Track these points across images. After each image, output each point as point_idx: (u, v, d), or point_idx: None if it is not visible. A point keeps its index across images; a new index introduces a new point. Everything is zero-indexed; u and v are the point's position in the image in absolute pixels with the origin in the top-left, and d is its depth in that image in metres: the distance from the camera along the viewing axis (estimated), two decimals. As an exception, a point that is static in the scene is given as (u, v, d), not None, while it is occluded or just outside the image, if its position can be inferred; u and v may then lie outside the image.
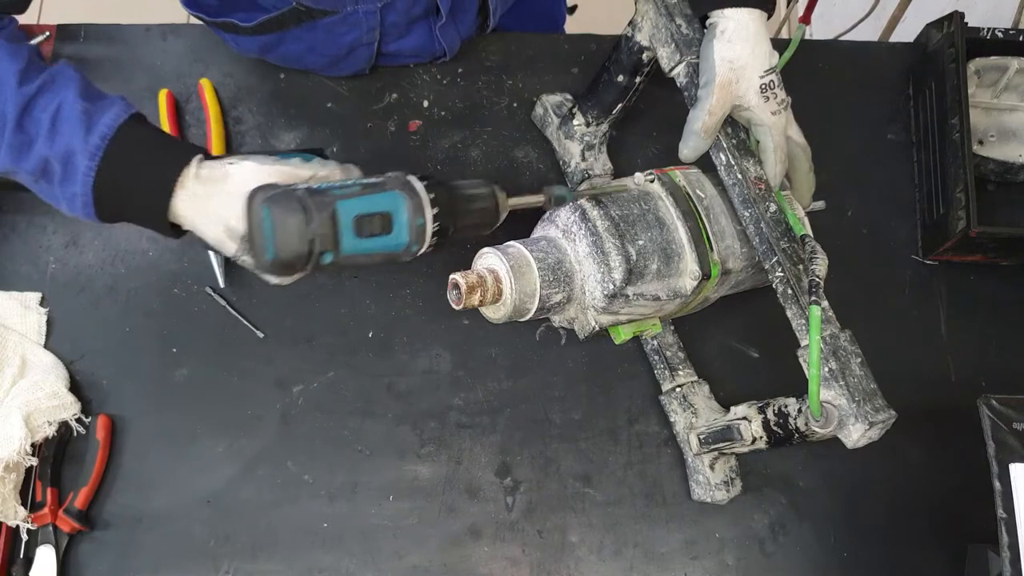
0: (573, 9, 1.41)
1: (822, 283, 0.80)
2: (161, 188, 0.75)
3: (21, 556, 0.94)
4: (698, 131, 0.86)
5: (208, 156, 0.78)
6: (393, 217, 0.73)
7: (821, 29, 2.15)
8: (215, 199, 0.76)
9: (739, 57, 0.85)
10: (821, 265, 0.82)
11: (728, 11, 0.86)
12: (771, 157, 0.89)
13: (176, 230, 0.79)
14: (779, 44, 0.98)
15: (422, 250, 0.77)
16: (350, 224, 0.71)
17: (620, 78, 0.99)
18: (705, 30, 0.88)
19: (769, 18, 0.89)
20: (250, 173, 0.76)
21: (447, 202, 0.76)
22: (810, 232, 0.89)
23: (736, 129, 0.89)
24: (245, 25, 1.01)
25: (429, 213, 0.74)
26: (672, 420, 1.01)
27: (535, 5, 1.27)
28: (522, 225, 0.96)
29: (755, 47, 0.86)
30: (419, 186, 0.75)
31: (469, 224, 0.79)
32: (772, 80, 0.87)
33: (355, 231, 0.71)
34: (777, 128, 0.88)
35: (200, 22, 1.10)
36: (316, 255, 0.71)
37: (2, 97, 0.73)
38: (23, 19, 0.87)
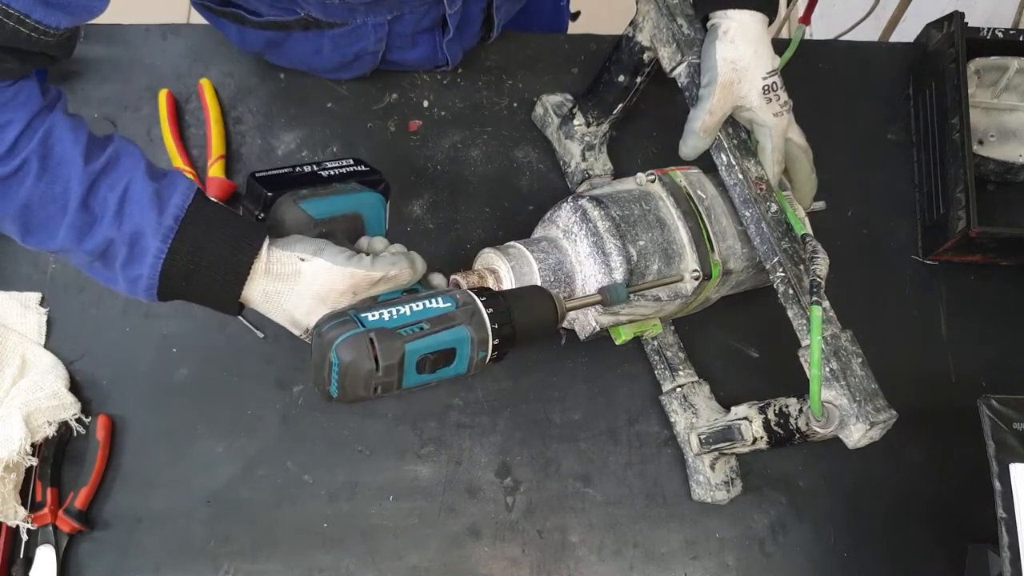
0: (576, 15, 1.41)
1: (823, 283, 0.80)
2: (232, 277, 0.73)
3: (21, 556, 0.94)
4: (697, 130, 0.86)
5: (268, 225, 0.76)
6: (456, 352, 0.71)
7: (821, 29, 2.15)
8: (284, 296, 0.74)
9: (742, 58, 0.85)
10: (822, 265, 0.82)
11: (731, 12, 0.86)
12: (769, 158, 0.89)
13: (239, 305, 0.77)
14: (779, 44, 0.98)
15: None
16: (414, 364, 0.69)
17: (621, 78, 0.99)
18: (707, 31, 0.88)
19: (771, 23, 0.90)
20: (323, 273, 0.74)
21: (510, 332, 0.73)
22: (811, 232, 0.89)
23: (737, 129, 0.89)
24: (253, 18, 1.01)
25: (491, 344, 0.72)
26: (673, 420, 1.01)
27: (536, 15, 1.27)
28: (521, 226, 0.96)
29: (758, 48, 0.86)
30: (486, 316, 0.72)
31: (528, 345, 0.78)
32: (775, 82, 0.87)
33: (417, 369, 0.70)
34: (778, 130, 0.88)
35: (201, 22, 1.10)
36: (377, 396, 0.70)
37: (66, 175, 0.69)
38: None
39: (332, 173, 0.84)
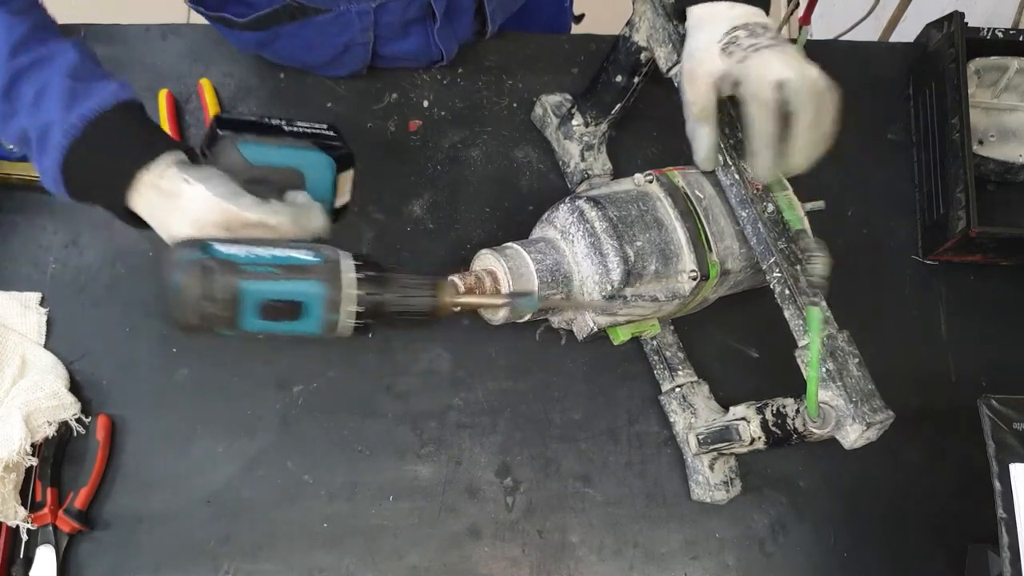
0: (580, 18, 1.40)
1: (823, 282, 0.80)
2: (118, 181, 0.75)
3: (21, 556, 0.94)
4: (692, 126, 0.85)
5: (186, 150, 0.77)
6: (304, 307, 0.68)
7: (821, 29, 2.15)
8: (167, 213, 0.74)
9: (696, 45, 0.84)
10: (818, 264, 0.81)
11: (690, 8, 0.86)
12: (753, 116, 0.77)
13: (139, 220, 0.77)
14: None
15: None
16: (255, 307, 0.67)
17: (618, 78, 0.99)
18: None
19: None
20: (199, 201, 0.73)
21: (375, 302, 0.71)
22: (808, 229, 0.87)
23: (734, 130, 0.89)
24: (239, 20, 1.01)
25: (347, 310, 0.70)
26: (672, 420, 1.01)
27: (538, 15, 1.27)
28: (520, 226, 0.96)
29: (710, 25, 0.83)
30: (348, 278, 0.69)
31: (398, 323, 0.75)
32: (736, 35, 0.80)
33: (259, 314, 0.67)
34: (750, 75, 0.77)
35: (200, 22, 1.10)
36: (212, 330, 0.68)
37: None
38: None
39: (295, 130, 0.83)
